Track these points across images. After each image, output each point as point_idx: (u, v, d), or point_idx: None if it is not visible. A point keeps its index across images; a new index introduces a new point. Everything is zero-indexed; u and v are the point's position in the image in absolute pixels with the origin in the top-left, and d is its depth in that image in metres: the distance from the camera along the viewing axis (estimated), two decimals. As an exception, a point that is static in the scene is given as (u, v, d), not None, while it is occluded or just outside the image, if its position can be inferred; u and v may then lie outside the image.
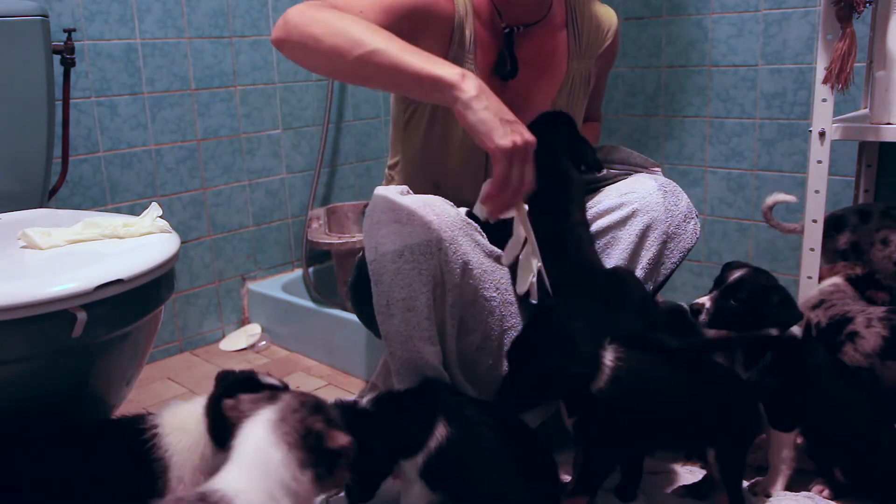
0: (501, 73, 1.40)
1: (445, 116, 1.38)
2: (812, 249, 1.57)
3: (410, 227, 1.22)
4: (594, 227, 1.40)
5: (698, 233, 1.42)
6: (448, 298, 1.25)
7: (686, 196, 1.43)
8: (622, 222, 1.38)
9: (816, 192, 1.54)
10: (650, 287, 1.40)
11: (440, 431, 1.13)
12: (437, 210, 1.25)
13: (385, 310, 1.23)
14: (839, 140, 1.55)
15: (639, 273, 1.38)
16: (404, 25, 1.21)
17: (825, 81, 1.49)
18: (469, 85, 1.03)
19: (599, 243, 1.40)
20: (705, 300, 1.31)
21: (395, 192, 1.32)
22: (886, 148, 1.81)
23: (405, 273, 1.20)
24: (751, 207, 2.08)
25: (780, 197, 1.71)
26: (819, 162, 1.53)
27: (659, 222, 1.37)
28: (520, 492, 1.15)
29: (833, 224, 1.64)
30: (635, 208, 1.38)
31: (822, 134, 1.52)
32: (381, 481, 1.19)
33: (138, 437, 1.07)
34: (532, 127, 1.11)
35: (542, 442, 1.29)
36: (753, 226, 2.08)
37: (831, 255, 1.64)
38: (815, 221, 1.56)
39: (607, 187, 1.44)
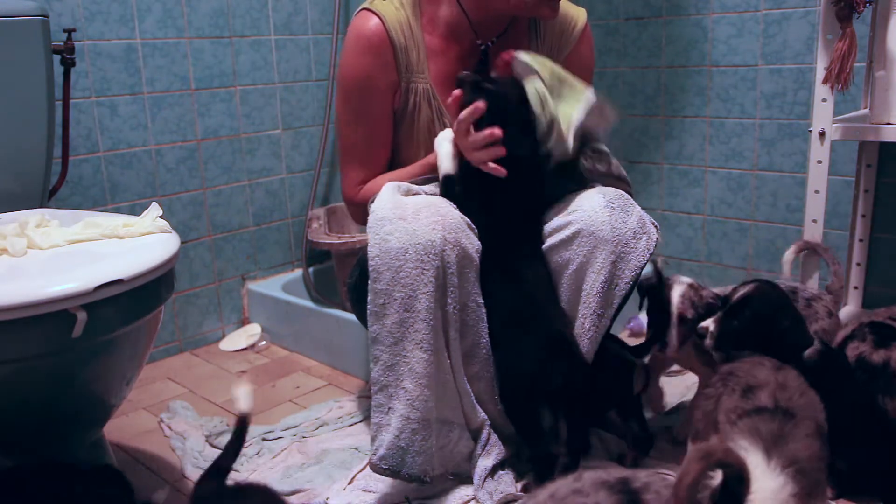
0: None
1: (410, 116, 1.47)
2: (812, 249, 1.57)
3: (416, 225, 1.22)
4: (545, 246, 1.34)
5: (652, 248, 1.32)
6: (449, 302, 1.25)
7: (638, 209, 1.33)
8: (568, 242, 1.31)
9: (816, 192, 1.55)
10: (608, 312, 1.31)
11: None
12: (441, 211, 1.25)
13: (380, 309, 1.23)
14: (839, 140, 1.55)
15: (592, 297, 1.30)
16: (364, 95, 1.44)
17: (825, 81, 1.49)
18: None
19: (552, 264, 1.34)
20: (709, 323, 1.26)
21: (400, 191, 1.32)
22: (886, 148, 1.81)
23: (407, 271, 1.20)
24: (751, 207, 2.08)
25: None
26: (819, 162, 1.53)
27: (605, 243, 1.28)
28: None
29: None
30: (579, 228, 1.29)
31: (822, 134, 1.52)
32: None
33: None
34: None
35: None
36: (753, 226, 2.08)
37: None
38: (814, 221, 1.56)
39: (557, 204, 1.37)
